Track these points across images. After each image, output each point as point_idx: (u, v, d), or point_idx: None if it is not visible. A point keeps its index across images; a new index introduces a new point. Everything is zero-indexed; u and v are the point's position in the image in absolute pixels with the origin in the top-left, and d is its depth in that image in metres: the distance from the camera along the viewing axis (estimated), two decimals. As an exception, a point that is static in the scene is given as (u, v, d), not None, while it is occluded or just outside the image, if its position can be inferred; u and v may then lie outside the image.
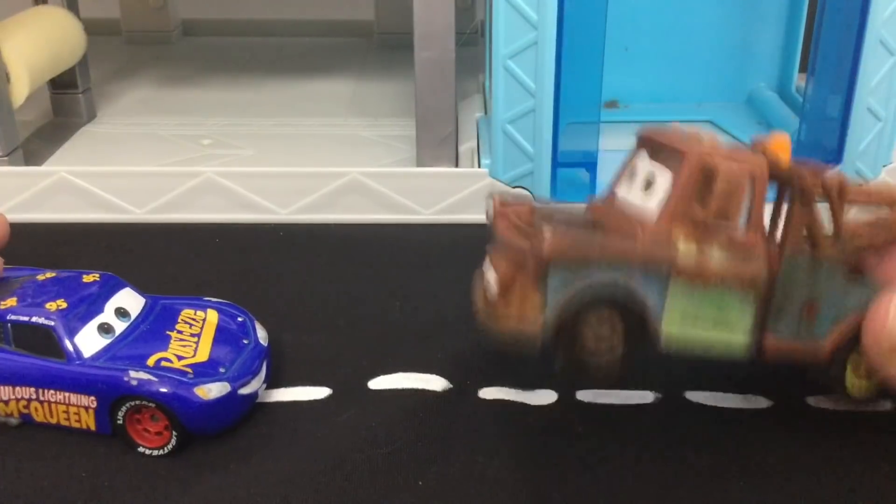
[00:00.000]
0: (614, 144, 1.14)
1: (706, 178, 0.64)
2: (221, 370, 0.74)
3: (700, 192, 0.65)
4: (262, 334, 0.81)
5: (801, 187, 0.66)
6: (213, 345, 0.77)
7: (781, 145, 0.69)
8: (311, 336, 0.88)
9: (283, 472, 0.71)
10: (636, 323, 0.66)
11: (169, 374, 0.72)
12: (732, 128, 1.27)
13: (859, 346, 0.68)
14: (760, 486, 0.69)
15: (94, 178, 1.12)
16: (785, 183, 0.69)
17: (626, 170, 0.72)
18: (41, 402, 0.73)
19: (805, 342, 0.68)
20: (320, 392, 0.80)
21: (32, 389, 0.73)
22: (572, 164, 1.08)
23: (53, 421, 0.74)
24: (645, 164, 0.69)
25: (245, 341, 0.79)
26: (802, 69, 1.31)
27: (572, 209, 0.76)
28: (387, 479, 0.70)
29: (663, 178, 0.66)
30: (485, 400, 0.78)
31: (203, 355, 0.75)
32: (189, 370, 0.73)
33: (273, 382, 0.80)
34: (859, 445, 0.73)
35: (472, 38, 1.62)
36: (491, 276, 0.69)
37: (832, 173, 0.68)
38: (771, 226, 0.71)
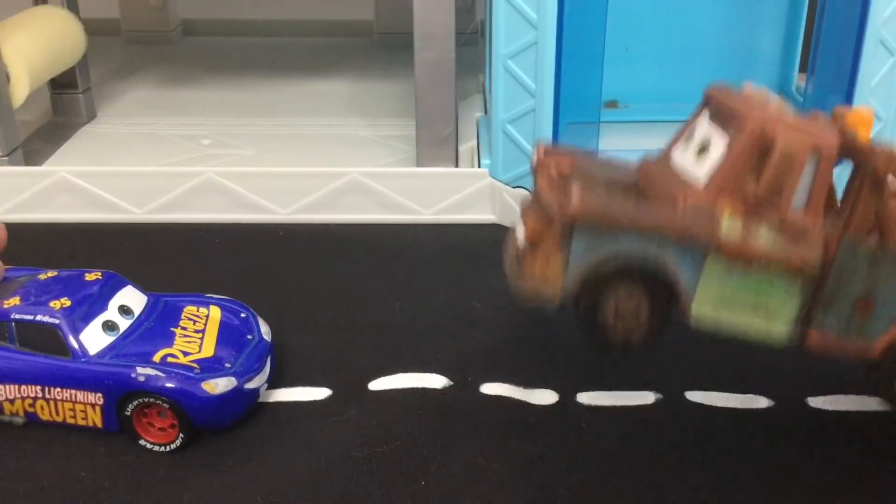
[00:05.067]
0: (614, 144, 1.15)
1: (764, 148, 0.58)
2: (227, 365, 0.75)
3: (756, 163, 0.58)
4: (265, 330, 0.81)
5: (873, 169, 0.59)
6: (217, 341, 0.77)
7: (861, 120, 0.62)
8: (311, 336, 0.88)
9: (283, 472, 0.71)
10: (665, 299, 0.60)
11: (176, 370, 0.72)
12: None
13: None
14: (760, 486, 0.69)
15: (94, 178, 1.12)
16: (859, 163, 0.61)
17: (686, 130, 0.66)
18: (47, 401, 0.73)
19: (854, 341, 0.62)
20: (321, 392, 0.80)
21: (38, 388, 0.73)
22: (572, 163, 1.08)
23: (59, 419, 0.74)
24: (703, 126, 0.63)
25: (249, 336, 0.79)
26: (802, 69, 1.31)
27: (620, 166, 0.68)
28: (387, 479, 0.70)
29: (718, 144, 0.60)
30: (485, 400, 0.78)
31: (208, 351, 0.76)
32: (196, 365, 0.73)
33: (273, 382, 0.80)
34: (859, 445, 0.73)
35: (472, 38, 1.62)
36: (520, 230, 0.64)
37: None
38: (842, 208, 0.63)
